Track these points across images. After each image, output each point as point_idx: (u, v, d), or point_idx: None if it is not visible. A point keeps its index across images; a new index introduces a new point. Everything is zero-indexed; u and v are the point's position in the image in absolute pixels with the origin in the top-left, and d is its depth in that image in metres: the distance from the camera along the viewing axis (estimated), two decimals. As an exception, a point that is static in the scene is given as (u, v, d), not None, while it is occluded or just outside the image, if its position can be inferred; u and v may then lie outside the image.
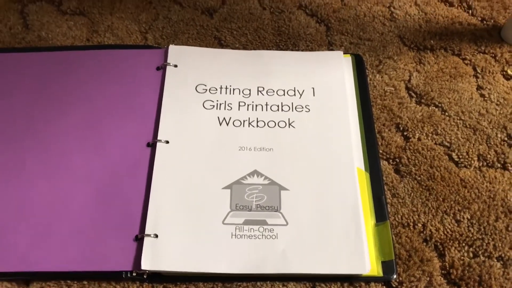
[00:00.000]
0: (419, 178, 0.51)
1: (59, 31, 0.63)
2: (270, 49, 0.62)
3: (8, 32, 0.63)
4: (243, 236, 0.46)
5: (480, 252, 0.47)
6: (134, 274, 0.45)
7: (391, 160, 0.53)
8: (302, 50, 0.62)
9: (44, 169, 0.50)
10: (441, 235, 0.48)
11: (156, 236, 0.46)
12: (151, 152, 0.51)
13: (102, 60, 0.58)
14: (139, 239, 0.46)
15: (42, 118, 0.54)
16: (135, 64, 0.58)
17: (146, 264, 0.44)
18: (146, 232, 0.46)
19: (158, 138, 0.52)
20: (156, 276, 0.45)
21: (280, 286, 0.45)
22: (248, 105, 0.55)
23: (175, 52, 0.59)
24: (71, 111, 0.54)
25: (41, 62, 0.58)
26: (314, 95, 0.56)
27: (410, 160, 0.53)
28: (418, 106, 0.57)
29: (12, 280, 0.45)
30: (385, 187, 0.51)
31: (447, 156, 0.53)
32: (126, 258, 0.45)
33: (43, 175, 0.50)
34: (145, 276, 0.45)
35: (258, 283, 0.45)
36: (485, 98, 0.58)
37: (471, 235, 0.48)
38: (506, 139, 0.54)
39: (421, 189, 0.51)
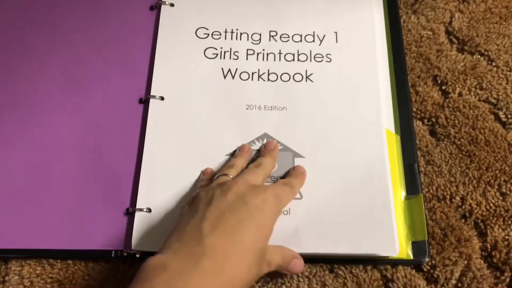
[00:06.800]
0: (459, 142, 0.48)
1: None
2: (285, -15, 0.56)
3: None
4: (250, 211, 0.43)
5: (529, 232, 0.43)
6: (124, 254, 0.42)
7: (426, 120, 0.49)
8: (323, -14, 0.56)
9: (20, 132, 0.47)
10: (482, 210, 0.44)
11: (149, 210, 0.43)
12: (143, 109, 0.48)
13: (86, -2, 0.54)
14: (130, 213, 0.43)
15: (17, 68, 0.50)
16: (124, 2, 0.54)
17: (138, 243, 0.42)
18: (138, 206, 0.43)
19: (152, 93, 0.48)
20: (150, 255, 0.41)
21: (293, 268, 0.43)
22: (258, 53, 0.51)
23: (172, -12, 0.55)
24: (51, 60, 0.50)
25: (15, 4, 0.54)
26: (337, 41, 0.51)
27: (449, 120, 0.49)
28: (460, 54, 0.53)
29: (-12, 257, 0.43)
30: (418, 152, 0.47)
31: (493, 116, 0.49)
32: (116, 235, 0.43)
33: (19, 138, 0.47)
34: (137, 256, 0.42)
35: (267, 265, 0.43)
36: (542, 45, 0.53)
37: (518, 212, 0.44)
38: None
39: (460, 155, 0.47)
